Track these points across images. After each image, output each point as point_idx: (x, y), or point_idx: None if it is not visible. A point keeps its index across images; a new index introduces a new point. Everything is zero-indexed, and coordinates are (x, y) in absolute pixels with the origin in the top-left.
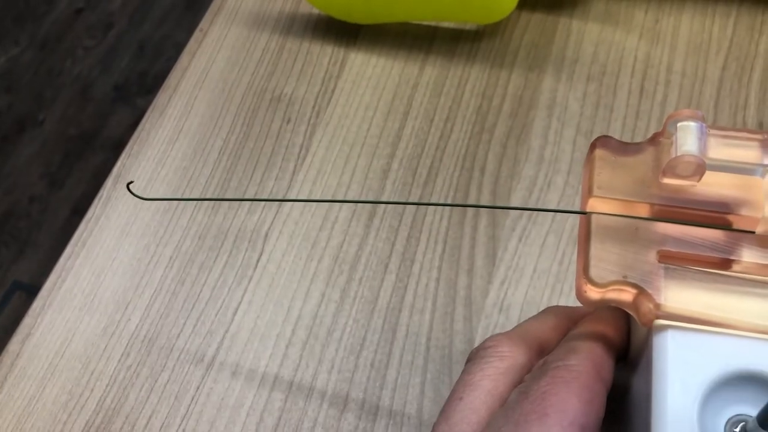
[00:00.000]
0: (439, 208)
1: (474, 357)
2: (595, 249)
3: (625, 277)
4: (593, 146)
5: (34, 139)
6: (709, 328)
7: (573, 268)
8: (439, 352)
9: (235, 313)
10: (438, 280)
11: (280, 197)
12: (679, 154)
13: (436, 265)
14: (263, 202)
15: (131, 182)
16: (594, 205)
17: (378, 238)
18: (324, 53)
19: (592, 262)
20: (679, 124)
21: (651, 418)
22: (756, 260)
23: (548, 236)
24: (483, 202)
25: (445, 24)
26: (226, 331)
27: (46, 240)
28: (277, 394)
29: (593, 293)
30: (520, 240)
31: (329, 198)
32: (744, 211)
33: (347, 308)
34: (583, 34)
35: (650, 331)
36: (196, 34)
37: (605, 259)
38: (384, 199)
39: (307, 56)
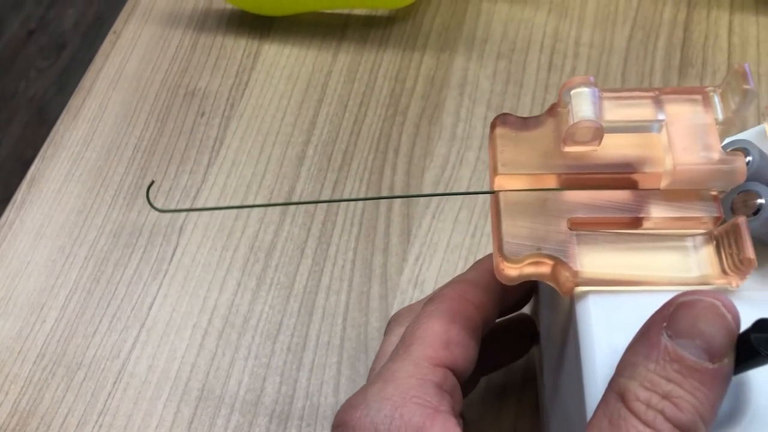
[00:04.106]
0: (355, 190)
1: (387, 327)
2: (507, 226)
3: (538, 249)
4: (493, 125)
5: None
6: (628, 288)
7: (485, 240)
8: (356, 330)
9: (150, 308)
10: (354, 261)
11: (282, 201)
12: (575, 120)
13: (351, 246)
14: (178, 196)
15: (151, 184)
16: (500, 182)
17: (294, 224)
18: (237, 47)
19: (505, 239)
20: (572, 92)
21: (583, 382)
22: (664, 214)
23: (461, 211)
24: (397, 182)
25: (358, 11)
26: (142, 326)
27: None
28: (194, 383)
29: (510, 270)
30: (433, 217)
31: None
32: (647, 168)
33: (263, 295)
34: (492, 13)
35: (572, 300)
36: (110, 36)
37: (518, 235)
38: (299, 185)
39: (221, 51)
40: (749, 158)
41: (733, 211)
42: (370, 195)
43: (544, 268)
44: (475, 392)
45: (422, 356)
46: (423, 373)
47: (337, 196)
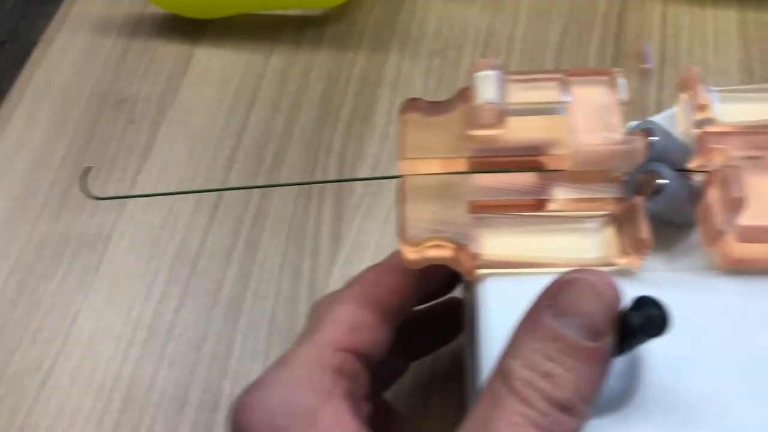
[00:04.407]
0: (284, 195)
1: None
2: (410, 210)
3: (438, 232)
4: (402, 111)
5: None
6: (529, 270)
7: None
8: (282, 336)
9: (74, 320)
10: (282, 265)
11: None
12: (478, 103)
13: (280, 250)
14: (104, 207)
15: (87, 171)
16: (406, 167)
17: (222, 229)
18: (170, 52)
19: (407, 223)
20: (476, 75)
21: (479, 364)
22: (567, 196)
23: (391, 210)
24: (328, 184)
25: (292, 12)
26: (66, 338)
27: None
28: (117, 395)
29: (411, 253)
30: (364, 217)
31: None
32: (553, 151)
33: (189, 303)
34: (427, 11)
35: (474, 283)
36: (41, 45)
37: (420, 218)
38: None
39: (153, 56)
40: (655, 138)
41: (637, 191)
42: (301, 197)
43: (446, 252)
44: (404, 378)
45: (325, 340)
46: (322, 357)
47: (266, 201)
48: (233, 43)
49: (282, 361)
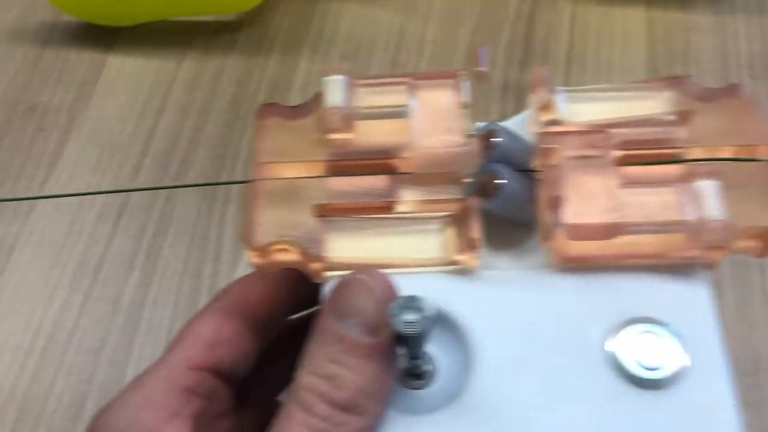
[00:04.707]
0: (189, 203)
1: None
2: (256, 214)
3: (282, 236)
4: (257, 116)
5: None
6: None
7: None
8: None
9: None
10: (183, 272)
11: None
12: (325, 107)
13: (182, 257)
14: (8, 216)
15: None
16: (257, 171)
17: (125, 237)
18: (82, 60)
19: (251, 228)
20: (324, 79)
21: None
22: (412, 198)
23: None
24: (234, 188)
25: (205, 18)
26: None
27: None
28: (12, 404)
29: (255, 258)
30: None
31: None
32: (404, 154)
33: (89, 310)
34: (340, 14)
35: (321, 286)
36: None
37: (266, 223)
38: (133, 197)
39: (66, 64)
40: (497, 140)
41: (480, 192)
42: (205, 203)
43: (293, 256)
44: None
45: (179, 359)
46: (174, 376)
47: (170, 207)
48: (146, 50)
49: (135, 381)
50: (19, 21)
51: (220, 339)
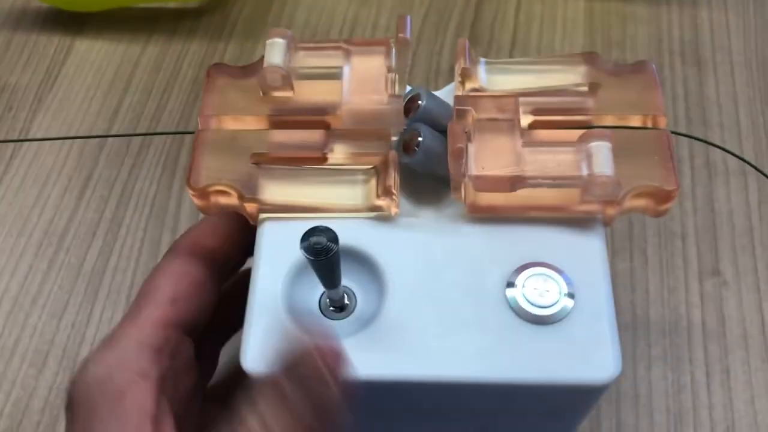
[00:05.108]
0: (150, 176)
1: None
2: (199, 160)
3: (220, 180)
4: (207, 74)
5: None
6: (305, 215)
7: None
8: None
9: None
10: (143, 240)
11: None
12: (265, 66)
13: (142, 227)
14: None
15: None
16: (203, 122)
17: (88, 209)
18: (50, 43)
19: (193, 171)
20: (267, 41)
21: (251, 292)
22: (342, 151)
23: None
24: None
25: (170, 4)
26: None
27: None
28: None
29: (196, 199)
30: None
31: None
32: (336, 111)
33: (53, 276)
34: (297, 3)
35: (257, 226)
36: None
37: (208, 168)
38: (97, 171)
39: (34, 47)
40: (421, 102)
41: (404, 148)
42: (164, 178)
43: (232, 199)
44: None
45: (146, 318)
46: (143, 336)
47: (131, 181)
48: (112, 35)
49: (108, 341)
50: None
51: (181, 292)
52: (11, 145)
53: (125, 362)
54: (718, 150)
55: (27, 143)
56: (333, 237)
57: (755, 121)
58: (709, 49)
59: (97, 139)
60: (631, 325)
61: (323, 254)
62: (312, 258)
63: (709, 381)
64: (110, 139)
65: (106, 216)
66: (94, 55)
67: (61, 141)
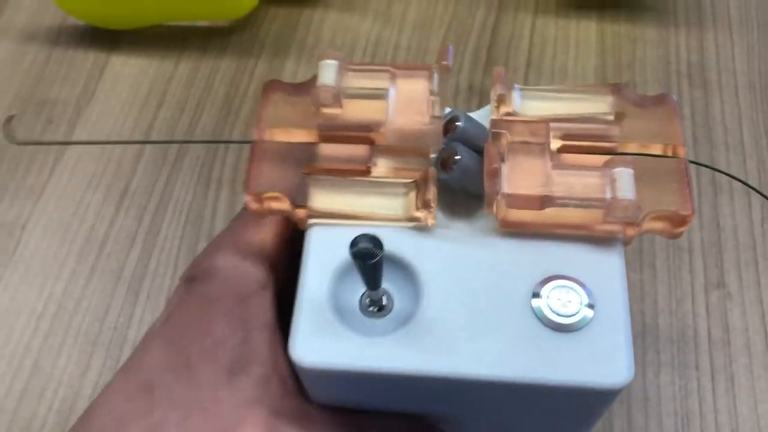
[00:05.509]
0: (186, 183)
1: None
2: (255, 168)
3: (275, 187)
4: (263, 90)
5: None
6: (348, 222)
7: None
8: None
9: None
10: (180, 246)
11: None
12: (318, 85)
13: (179, 234)
14: (21, 197)
15: (11, 118)
16: (259, 134)
17: (127, 216)
18: (87, 59)
19: (251, 179)
20: (320, 63)
21: (299, 292)
22: (388, 165)
23: None
24: (226, 173)
25: (199, 23)
26: None
27: None
28: (27, 362)
29: (252, 204)
30: None
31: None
32: (381, 129)
33: (95, 280)
34: (323, 22)
35: (305, 231)
36: None
37: (264, 176)
38: (135, 181)
39: (72, 63)
40: (459, 123)
41: (441, 165)
42: (200, 187)
43: (284, 205)
44: None
45: (267, 233)
46: (265, 250)
47: (168, 190)
48: (145, 51)
49: (232, 242)
50: (31, 24)
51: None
52: (53, 154)
53: (250, 271)
54: (723, 167)
55: (68, 154)
56: (379, 244)
57: (758, 141)
58: (715, 71)
59: (135, 150)
60: (640, 333)
61: (370, 258)
62: (360, 261)
63: (714, 387)
64: (147, 149)
65: (144, 223)
66: (128, 71)
67: (101, 152)
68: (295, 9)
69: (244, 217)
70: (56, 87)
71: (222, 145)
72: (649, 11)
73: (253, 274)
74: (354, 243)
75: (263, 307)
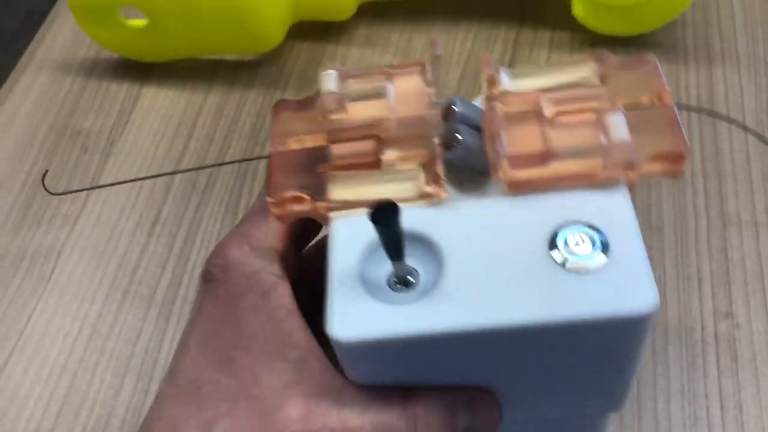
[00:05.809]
0: (215, 214)
1: None
2: (273, 177)
3: (295, 189)
4: (274, 109)
5: None
6: (366, 210)
7: None
8: None
9: (28, 321)
10: None
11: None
12: (322, 93)
13: None
14: (57, 225)
15: (45, 173)
16: (275, 148)
17: (159, 244)
18: (120, 90)
19: (272, 185)
20: (322, 73)
21: (329, 278)
22: (395, 155)
23: None
24: (253, 201)
25: (228, 57)
26: (20, 336)
27: None
28: (63, 382)
29: (275, 208)
30: None
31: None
32: (385, 123)
33: (127, 305)
34: (346, 56)
35: (328, 226)
36: (7, 84)
37: (283, 182)
38: (165, 209)
39: (106, 94)
40: (455, 108)
41: (445, 146)
42: (228, 214)
43: (306, 205)
44: None
45: (278, 227)
46: (278, 244)
47: (198, 217)
48: (176, 84)
49: (246, 235)
50: (66, 56)
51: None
52: (88, 184)
53: (267, 266)
54: (732, 201)
55: (101, 181)
56: (394, 207)
57: (765, 175)
58: (724, 106)
59: (165, 180)
60: (651, 361)
61: (389, 220)
62: (381, 227)
63: (723, 414)
64: (177, 179)
65: (175, 251)
66: (160, 102)
67: (132, 182)
68: (318, 44)
69: (254, 215)
70: (90, 117)
71: (249, 176)
72: (659, 47)
73: (270, 268)
74: (373, 211)
75: (286, 298)
